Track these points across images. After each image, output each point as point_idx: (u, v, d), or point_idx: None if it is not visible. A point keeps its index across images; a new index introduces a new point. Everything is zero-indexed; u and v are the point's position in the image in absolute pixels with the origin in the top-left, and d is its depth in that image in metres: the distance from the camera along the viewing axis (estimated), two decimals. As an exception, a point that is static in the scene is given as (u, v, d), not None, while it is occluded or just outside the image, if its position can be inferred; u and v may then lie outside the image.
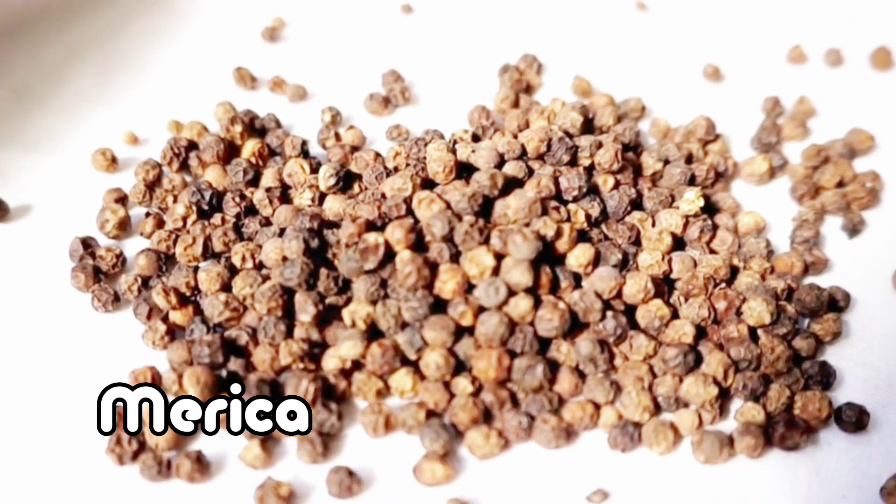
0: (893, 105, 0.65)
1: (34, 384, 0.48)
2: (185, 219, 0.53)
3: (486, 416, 0.47)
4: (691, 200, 0.53)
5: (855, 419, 0.46)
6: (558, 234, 0.48)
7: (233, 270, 0.51)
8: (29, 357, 0.49)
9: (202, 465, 0.44)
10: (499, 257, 0.47)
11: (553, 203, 0.50)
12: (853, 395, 0.48)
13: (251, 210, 0.54)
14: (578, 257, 0.49)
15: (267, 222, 0.53)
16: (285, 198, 0.55)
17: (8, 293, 0.52)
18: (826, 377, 0.48)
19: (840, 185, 0.58)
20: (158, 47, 0.68)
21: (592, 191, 0.52)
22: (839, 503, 0.45)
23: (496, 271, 0.47)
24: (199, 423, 0.46)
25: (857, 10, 0.72)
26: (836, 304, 0.51)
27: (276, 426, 0.45)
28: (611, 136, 0.56)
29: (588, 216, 0.51)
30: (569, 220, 0.50)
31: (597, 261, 0.49)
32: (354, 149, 0.59)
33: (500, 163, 0.52)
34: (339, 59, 0.68)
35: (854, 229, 0.56)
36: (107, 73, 0.66)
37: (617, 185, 0.54)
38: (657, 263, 0.50)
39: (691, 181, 0.56)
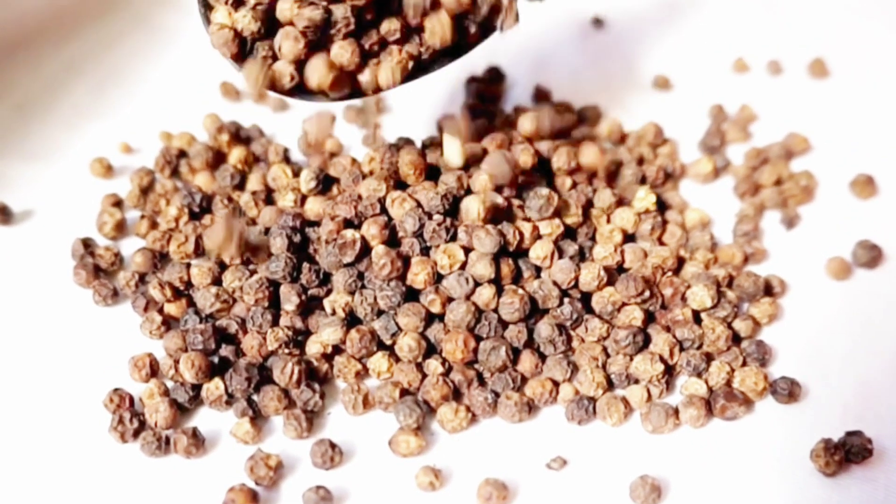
0: (828, 111, 0.68)
1: (41, 375, 0.51)
2: (177, 220, 0.57)
3: (456, 394, 0.50)
4: (642, 198, 0.58)
5: (788, 391, 0.50)
6: (520, 234, 0.53)
7: (222, 266, 0.55)
8: (36, 349, 0.52)
9: (198, 441, 0.47)
10: (465, 251, 0.52)
11: (517, 202, 0.55)
12: (787, 370, 0.51)
13: (238, 211, 0.58)
14: (538, 251, 0.53)
15: (253, 222, 0.57)
16: (269, 200, 0.59)
17: (14, 291, 0.56)
18: (762, 355, 0.52)
19: (778, 183, 0.62)
20: (149, 63, 0.72)
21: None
22: (774, 466, 0.48)
23: (463, 265, 0.52)
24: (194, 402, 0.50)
25: (796, 24, 0.76)
26: (771, 289, 0.55)
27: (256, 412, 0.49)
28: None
29: (562, 225, 0.55)
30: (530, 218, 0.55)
31: (556, 254, 0.54)
32: (333, 155, 0.63)
33: (466, 166, 0.57)
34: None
35: (790, 223, 0.60)
36: (102, 87, 0.69)
37: (574, 185, 0.59)
38: (610, 255, 0.55)
39: (643, 181, 0.61)
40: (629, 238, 0.57)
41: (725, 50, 0.74)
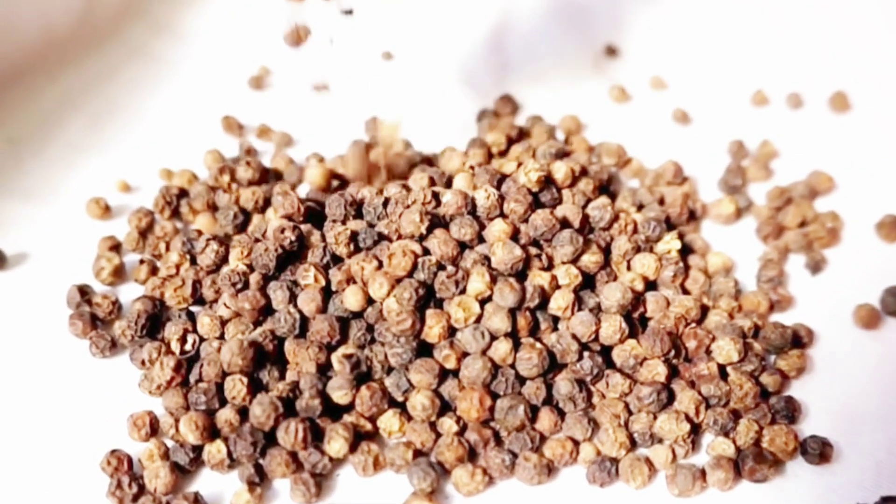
0: (851, 147, 0.67)
1: (34, 432, 0.49)
2: (178, 266, 0.55)
3: (471, 455, 0.48)
4: (668, 241, 0.56)
5: (819, 451, 0.48)
6: (541, 290, 0.51)
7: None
8: (28, 404, 0.50)
9: None
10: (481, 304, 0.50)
11: (534, 251, 0.52)
12: (817, 428, 0.50)
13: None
14: (559, 302, 0.51)
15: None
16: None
17: (5, 341, 0.53)
18: (792, 412, 0.50)
19: (802, 224, 0.60)
20: (148, 96, 0.69)
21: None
22: (805, 532, 0.46)
23: (478, 318, 0.49)
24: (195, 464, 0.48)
25: (816, 56, 0.74)
26: (800, 340, 0.53)
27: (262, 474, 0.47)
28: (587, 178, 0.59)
29: (581, 272, 0.52)
30: (550, 267, 0.52)
31: (576, 305, 0.51)
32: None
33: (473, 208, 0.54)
34: (324, 106, 0.69)
35: (816, 267, 0.58)
36: (98, 121, 0.67)
37: (591, 229, 0.56)
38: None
39: (667, 222, 0.58)
40: (651, 285, 0.55)
41: (744, 82, 0.72)
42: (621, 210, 0.57)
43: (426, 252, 0.51)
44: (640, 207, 0.60)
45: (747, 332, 0.53)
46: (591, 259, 0.53)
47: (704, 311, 0.55)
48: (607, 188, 0.61)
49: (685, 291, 0.56)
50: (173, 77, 0.72)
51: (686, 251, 0.58)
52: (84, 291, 0.55)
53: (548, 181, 0.56)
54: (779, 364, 0.52)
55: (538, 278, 0.51)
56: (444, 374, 0.49)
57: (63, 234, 0.59)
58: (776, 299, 0.56)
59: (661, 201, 0.61)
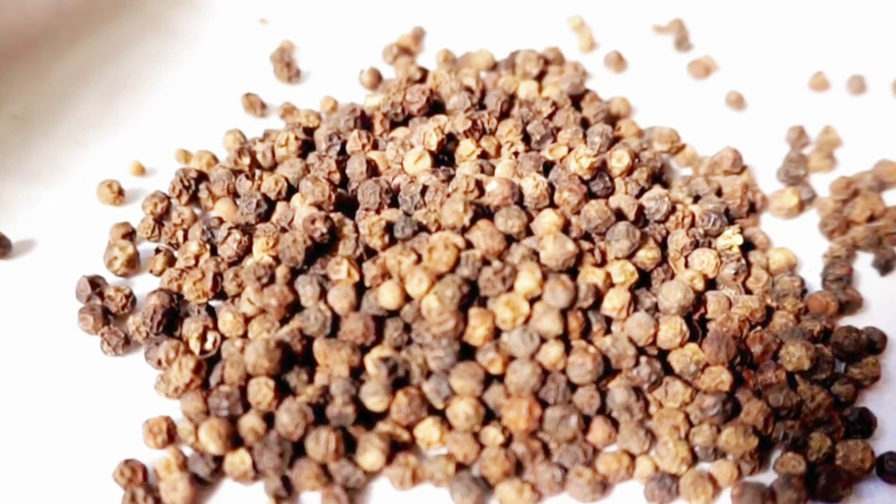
0: None
1: (41, 435, 0.46)
2: (197, 257, 0.51)
3: (518, 469, 0.45)
4: (729, 236, 0.52)
5: None
6: (595, 289, 0.47)
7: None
8: (35, 405, 0.47)
9: None
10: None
11: (586, 245, 0.48)
12: (892, 443, 0.47)
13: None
14: (614, 302, 0.47)
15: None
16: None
17: (9, 336, 0.50)
18: (866, 425, 0.47)
19: (871, 219, 0.56)
20: (164, 71, 0.66)
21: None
22: (883, 558, 0.43)
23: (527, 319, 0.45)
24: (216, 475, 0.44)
25: (879, 37, 0.70)
26: (873, 346, 0.50)
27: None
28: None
29: (637, 268, 0.49)
30: (604, 263, 0.48)
31: (632, 305, 0.47)
32: None
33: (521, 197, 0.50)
34: (351, 82, 0.65)
35: (887, 266, 0.54)
36: (111, 98, 0.63)
37: (646, 222, 0.52)
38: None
39: (726, 214, 0.54)
40: (710, 283, 0.51)
41: (802, 64, 0.68)
42: (677, 201, 0.53)
43: (469, 245, 0.47)
44: (695, 199, 0.55)
45: (816, 336, 0.49)
46: (647, 255, 0.49)
47: (769, 312, 0.51)
48: (660, 177, 0.57)
49: (747, 291, 0.52)
50: (192, 52, 0.68)
51: (747, 247, 0.54)
52: (95, 283, 0.51)
53: (598, 169, 0.52)
54: (851, 372, 0.49)
55: (591, 275, 0.47)
56: (488, 380, 0.45)
57: (72, 220, 0.56)
58: (845, 300, 0.52)
59: (719, 192, 0.57)
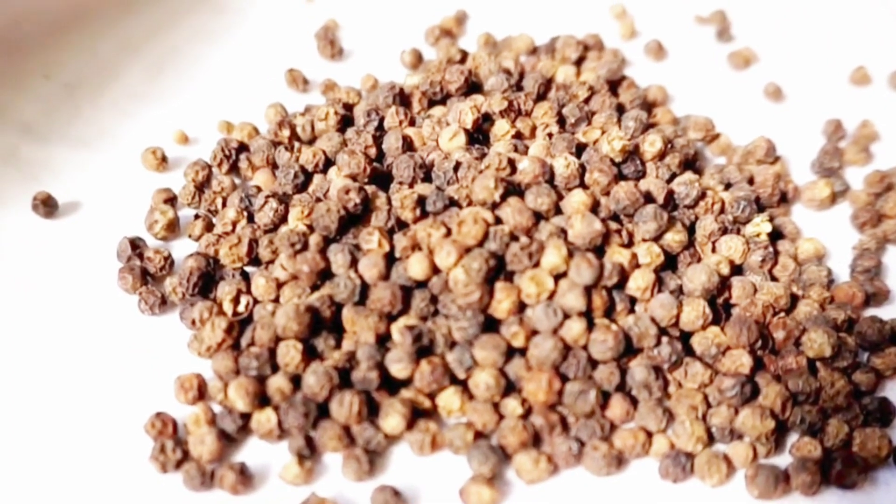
0: None
1: (77, 386, 0.48)
2: (234, 223, 0.52)
3: (536, 440, 0.45)
4: (758, 223, 0.52)
5: None
6: (620, 268, 0.47)
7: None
8: (73, 360, 0.49)
9: (245, 478, 0.44)
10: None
11: (614, 225, 0.49)
12: None
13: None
14: (638, 282, 0.47)
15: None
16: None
17: (53, 292, 0.51)
18: (886, 414, 0.47)
19: (903, 213, 0.56)
20: (210, 46, 0.67)
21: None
22: (896, 546, 0.43)
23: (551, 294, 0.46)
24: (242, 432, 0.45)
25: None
26: (897, 337, 0.50)
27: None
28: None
29: (663, 251, 0.49)
30: (631, 244, 0.49)
31: (657, 286, 0.48)
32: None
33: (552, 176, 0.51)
34: (393, 62, 0.66)
35: (917, 260, 0.54)
36: (158, 70, 0.65)
37: (675, 206, 0.52)
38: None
39: (757, 202, 0.54)
40: (737, 269, 0.51)
41: (843, 58, 0.67)
42: (708, 188, 0.54)
43: (498, 221, 0.48)
44: (727, 186, 0.56)
45: (840, 324, 0.49)
46: (674, 238, 0.50)
47: (794, 300, 0.51)
48: (692, 164, 0.57)
49: (773, 278, 0.52)
50: (238, 27, 0.69)
51: (776, 235, 0.54)
52: (136, 245, 0.52)
53: (630, 152, 0.52)
54: (873, 362, 0.49)
55: (617, 255, 0.48)
56: (510, 353, 0.46)
57: (117, 185, 0.57)
58: (872, 292, 0.52)
59: (751, 181, 0.57)
